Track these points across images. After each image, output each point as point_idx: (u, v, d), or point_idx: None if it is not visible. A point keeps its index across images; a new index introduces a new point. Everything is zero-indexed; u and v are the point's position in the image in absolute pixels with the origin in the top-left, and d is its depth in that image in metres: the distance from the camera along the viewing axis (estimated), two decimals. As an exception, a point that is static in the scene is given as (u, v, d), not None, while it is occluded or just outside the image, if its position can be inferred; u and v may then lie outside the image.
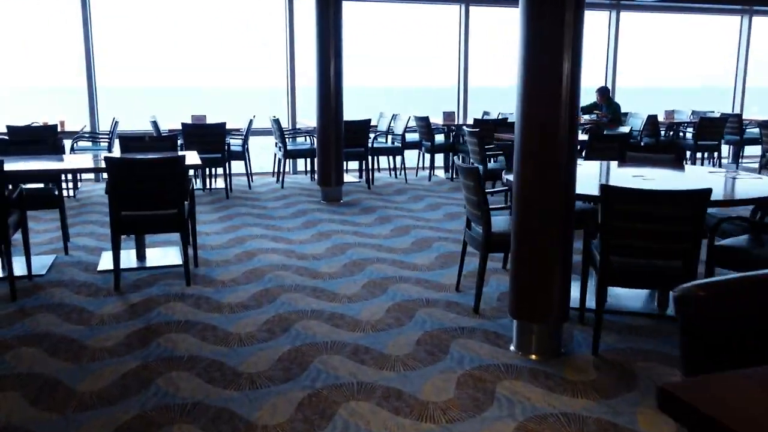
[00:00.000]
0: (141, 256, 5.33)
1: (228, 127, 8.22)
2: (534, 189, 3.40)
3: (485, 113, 10.72)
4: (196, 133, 7.89)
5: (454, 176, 9.68)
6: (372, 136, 9.12)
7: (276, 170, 9.51)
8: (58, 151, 5.82)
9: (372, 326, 3.96)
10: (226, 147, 8.15)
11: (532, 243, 3.45)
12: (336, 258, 5.43)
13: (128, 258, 5.29)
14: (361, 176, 9.70)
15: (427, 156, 9.97)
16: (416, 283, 4.78)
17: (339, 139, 7.76)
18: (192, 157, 5.25)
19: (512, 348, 3.64)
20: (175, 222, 4.68)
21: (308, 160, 9.71)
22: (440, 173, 10.08)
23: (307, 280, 4.85)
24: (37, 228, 6.47)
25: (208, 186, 8.73)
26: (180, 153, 5.63)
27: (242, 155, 8.61)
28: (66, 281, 4.80)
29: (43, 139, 7.40)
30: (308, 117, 10.17)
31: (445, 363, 3.46)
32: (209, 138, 7.92)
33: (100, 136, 9.08)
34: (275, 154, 9.61)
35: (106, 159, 4.42)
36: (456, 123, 9.77)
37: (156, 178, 4.53)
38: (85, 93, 9.24)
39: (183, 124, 7.84)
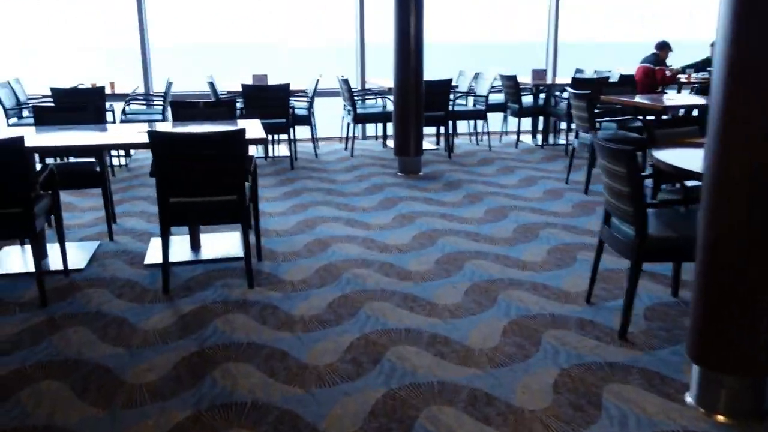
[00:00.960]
0: (195, 245, 4.50)
1: (291, 88, 7.29)
2: (743, 176, 2.35)
3: (578, 71, 9.49)
4: (257, 96, 7.00)
5: (545, 143, 8.56)
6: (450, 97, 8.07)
7: (344, 136, 8.58)
8: (100, 118, 5.01)
9: (489, 358, 3.02)
10: (290, 111, 7.24)
11: (734, 257, 2.42)
12: (425, 251, 4.49)
13: (181, 248, 4.47)
14: (438, 143, 8.69)
15: (511, 120, 8.90)
16: (532, 290, 3.80)
17: (419, 103, 6.74)
18: (254, 129, 4.34)
19: (689, 399, 2.65)
20: (235, 210, 3.80)
21: (380, 124, 8.74)
22: (526, 139, 8.97)
23: (395, 282, 3.93)
24: (81, 205, 5.73)
25: (270, 154, 7.87)
26: (239, 123, 4.74)
27: (307, 120, 7.70)
28: (107, 279, 4.01)
29: (88, 103, 6.65)
30: (378, 76, 9.18)
31: (602, 426, 2.50)
32: (272, 101, 7.02)
33: (154, 99, 8.29)
34: (343, 118, 8.67)
35: (150, 134, 3.55)
36: (547, 82, 8.60)
37: (211, 158, 3.65)
38: (137, 51, 8.45)
39: (243, 86, 6.96)
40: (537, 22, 9.67)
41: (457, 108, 8.15)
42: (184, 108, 5.16)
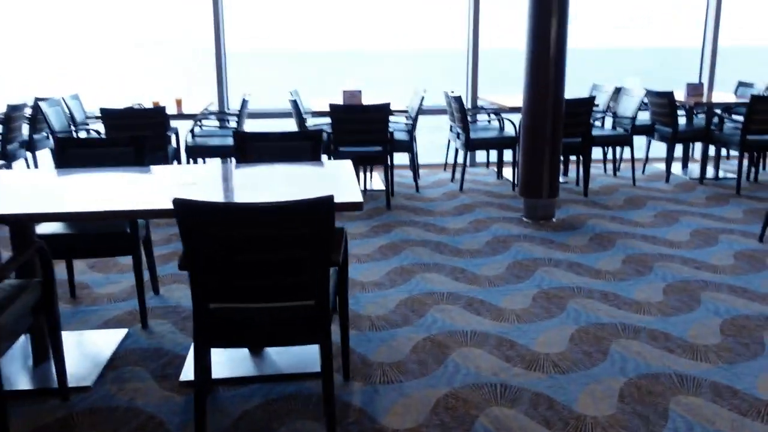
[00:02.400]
0: (254, 350, 3.12)
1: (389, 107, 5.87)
2: None
3: (741, 84, 7.65)
4: (350, 119, 5.61)
5: (703, 177, 6.77)
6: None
7: (451, 163, 7.11)
8: (140, 156, 3.73)
9: None
10: (389, 136, 5.82)
11: None
12: (597, 371, 2.93)
13: (238, 356, 3.10)
14: (566, 173, 7.07)
15: (658, 145, 7.19)
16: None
17: (557, 128, 5.17)
18: (346, 185, 2.92)
19: None
20: (312, 324, 2.38)
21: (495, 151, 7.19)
22: (675, 169, 7.21)
23: (564, 444, 2.41)
24: (121, 263, 4.48)
25: (361, 187, 6.47)
26: (325, 164, 3.32)
27: (408, 146, 6.25)
28: (120, 411, 2.67)
29: (148, 127, 5.46)
30: (487, 91, 7.66)
31: None
32: (367, 125, 5.61)
33: (229, 119, 7.07)
34: (449, 142, 7.19)
35: (177, 205, 2.18)
36: (704, 100, 6.82)
37: (276, 242, 2.24)
38: (212, 59, 7.26)
39: (332, 107, 5.58)
40: (670, 25, 7.83)
41: (594, 132, 6.51)
42: (252, 141, 3.82)
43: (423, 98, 6.30)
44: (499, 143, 6.37)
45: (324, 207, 2.20)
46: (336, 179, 2.96)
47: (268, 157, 3.78)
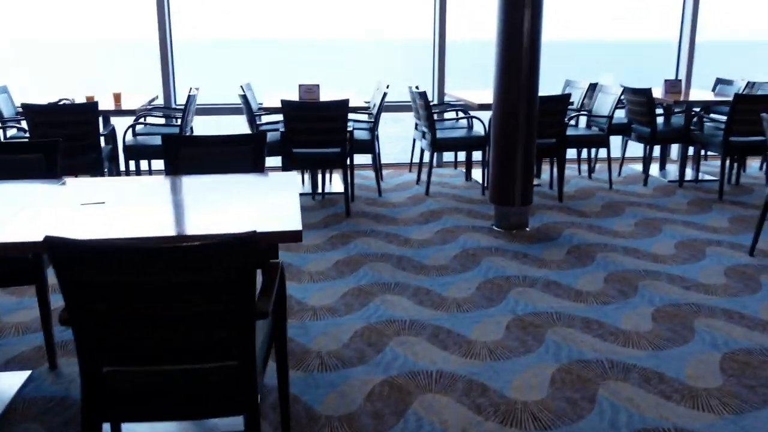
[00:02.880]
0: (181, 396, 2.60)
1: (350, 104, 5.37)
2: None
3: (720, 81, 7.30)
4: (305, 117, 5.08)
5: (684, 180, 6.39)
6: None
7: (416, 163, 6.64)
8: (53, 166, 3.18)
9: None
10: (349, 136, 5.32)
11: None
12: (584, 425, 2.48)
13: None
14: (538, 174, 6.65)
15: (634, 146, 6.82)
16: None
17: (531, 128, 4.72)
18: (285, 209, 2.41)
19: None
20: (234, 390, 1.89)
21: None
22: (652, 171, 6.84)
23: None
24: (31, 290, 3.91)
25: (318, 190, 5.96)
26: (270, 175, 2.81)
27: (370, 146, 5.75)
28: (0, 489, 2.15)
29: (78, 125, 4.89)
30: (456, 86, 7.22)
31: None
32: (324, 124, 5.10)
33: (176, 116, 6.49)
34: (414, 141, 6.72)
35: (48, 244, 1.66)
36: (684, 98, 6.44)
37: (180, 293, 1.73)
38: (155, 50, 6.66)
39: (283, 103, 5.05)
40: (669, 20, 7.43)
41: (568, 132, 6.08)
42: (185, 146, 3.29)
43: (386, 94, 5.80)
44: (468, 144, 5.91)
45: (243, 247, 1.70)
46: (275, 198, 2.45)
47: (204, 164, 3.25)
